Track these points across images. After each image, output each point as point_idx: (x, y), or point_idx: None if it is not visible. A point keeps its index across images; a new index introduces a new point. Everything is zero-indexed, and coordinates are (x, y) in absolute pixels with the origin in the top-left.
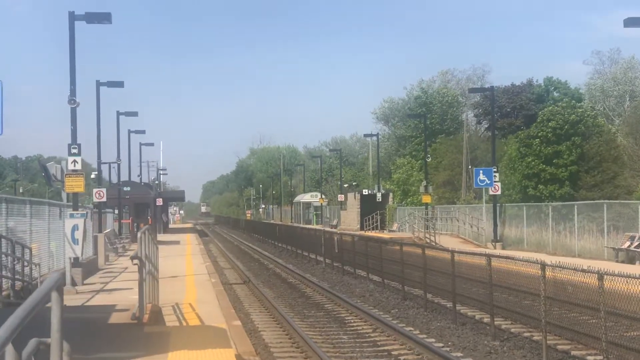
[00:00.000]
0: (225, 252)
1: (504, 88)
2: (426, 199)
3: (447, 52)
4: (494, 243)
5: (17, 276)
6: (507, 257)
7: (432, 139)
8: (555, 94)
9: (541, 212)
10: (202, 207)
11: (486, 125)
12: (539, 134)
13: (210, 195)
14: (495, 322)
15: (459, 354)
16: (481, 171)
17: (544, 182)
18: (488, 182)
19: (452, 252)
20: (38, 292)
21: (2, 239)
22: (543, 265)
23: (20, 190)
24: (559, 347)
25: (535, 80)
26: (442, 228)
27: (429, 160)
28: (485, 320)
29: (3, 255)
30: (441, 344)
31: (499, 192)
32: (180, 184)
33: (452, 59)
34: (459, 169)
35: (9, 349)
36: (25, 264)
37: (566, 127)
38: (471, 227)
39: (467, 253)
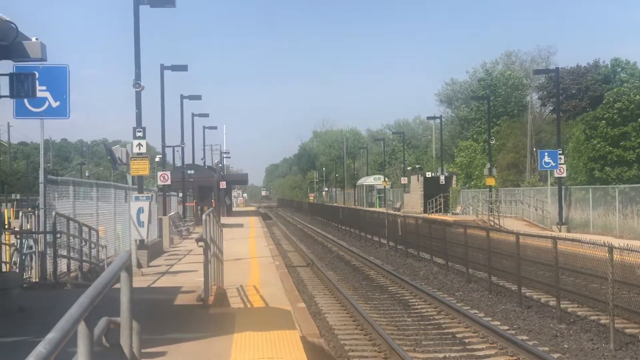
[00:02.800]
0: (288, 234)
1: (569, 69)
2: (490, 181)
3: (511, 33)
4: (559, 226)
5: (84, 258)
6: (573, 240)
7: (495, 121)
8: (622, 75)
9: (608, 195)
10: (262, 192)
11: (551, 108)
12: (605, 116)
13: (273, 178)
14: (562, 305)
15: (525, 337)
16: (546, 153)
17: (610, 164)
18: (553, 164)
19: (517, 234)
20: (108, 272)
21: (70, 222)
22: (610, 248)
23: (87, 174)
24: (627, 330)
25: (602, 62)
26: (506, 211)
27: (492, 142)
28: (551, 303)
29: (71, 238)
30: (506, 327)
31: (564, 175)
32: (243, 167)
33: (516, 40)
34: (524, 151)
35: (82, 327)
36: (93, 246)
37: (632, 107)
38: (536, 210)
39: (532, 235)
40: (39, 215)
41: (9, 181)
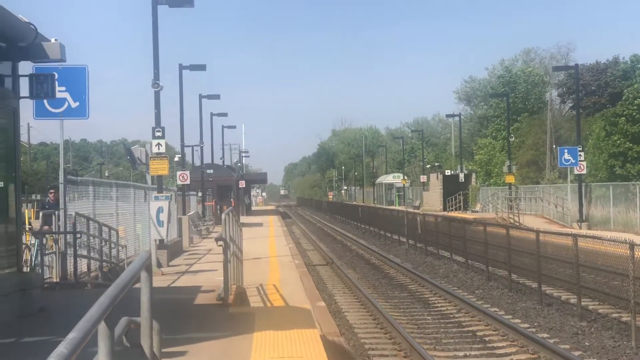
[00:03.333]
0: (308, 233)
1: (588, 66)
2: (509, 179)
3: (530, 30)
4: (579, 223)
5: (104, 258)
6: (594, 237)
7: (515, 118)
8: None
9: (628, 192)
10: (281, 191)
11: (570, 104)
12: (625, 113)
13: (292, 177)
14: (582, 303)
15: (545, 335)
16: (566, 150)
17: (631, 160)
18: (573, 161)
19: (537, 232)
20: (128, 271)
21: (90, 222)
22: (632, 245)
23: (106, 174)
24: None
25: (621, 58)
26: (525, 208)
27: (512, 139)
28: (572, 301)
29: (91, 238)
30: (527, 325)
31: (584, 171)
32: (262, 166)
33: (535, 37)
34: (543, 148)
35: (102, 327)
36: (112, 246)
37: None
38: (556, 207)
39: (552, 233)
40: (59, 216)
41: (29, 182)
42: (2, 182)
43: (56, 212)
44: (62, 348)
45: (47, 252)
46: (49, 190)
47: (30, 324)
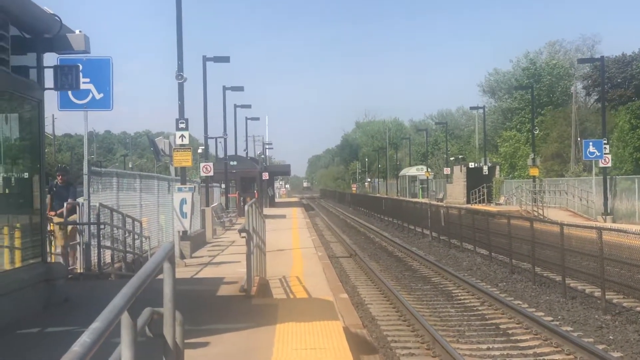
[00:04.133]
0: (331, 225)
1: (614, 58)
2: (533, 171)
3: (555, 22)
4: (604, 216)
5: (128, 249)
6: (618, 230)
7: (539, 111)
8: None
9: None
10: (304, 183)
11: (596, 97)
12: None
13: (316, 169)
14: (607, 296)
15: (569, 328)
16: (591, 143)
17: None
18: (598, 154)
19: (562, 225)
20: (151, 262)
21: (114, 213)
22: None
23: (130, 165)
24: None
25: None
26: (550, 201)
27: (536, 132)
28: (596, 294)
29: (115, 229)
30: (550, 318)
31: (609, 164)
32: (286, 158)
33: (560, 29)
34: (568, 141)
35: (125, 317)
36: (136, 237)
37: None
38: (580, 200)
39: (576, 226)
40: (83, 207)
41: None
42: (27, 173)
43: (75, 200)
44: (86, 337)
45: (71, 242)
46: (57, 172)
47: (55, 314)
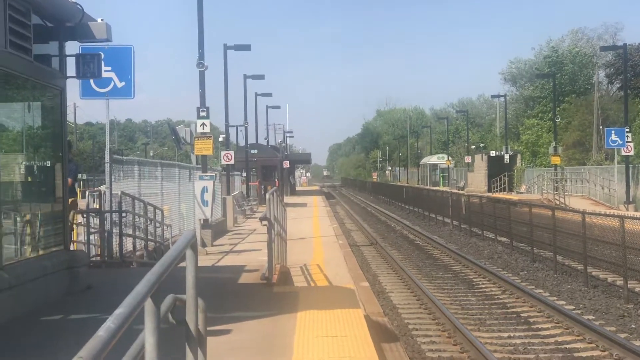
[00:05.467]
0: (352, 214)
1: (637, 46)
2: (555, 160)
3: (577, 10)
4: (626, 205)
5: (149, 237)
6: None
7: (561, 99)
8: None
9: None
10: (324, 172)
11: (618, 85)
12: None
13: (337, 157)
14: (629, 285)
15: (591, 317)
16: (613, 131)
17: None
18: (620, 142)
19: (583, 213)
20: (174, 250)
21: (136, 201)
22: None
23: (151, 154)
24: None
25: None
26: (571, 190)
27: (558, 120)
28: (618, 282)
29: (137, 217)
30: (572, 307)
31: (631, 153)
32: (306, 146)
33: (582, 17)
34: (590, 129)
35: (148, 303)
36: (157, 225)
37: None
38: (602, 188)
39: (598, 214)
40: (105, 195)
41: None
42: (49, 162)
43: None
44: (110, 323)
45: (92, 230)
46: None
47: (78, 301)
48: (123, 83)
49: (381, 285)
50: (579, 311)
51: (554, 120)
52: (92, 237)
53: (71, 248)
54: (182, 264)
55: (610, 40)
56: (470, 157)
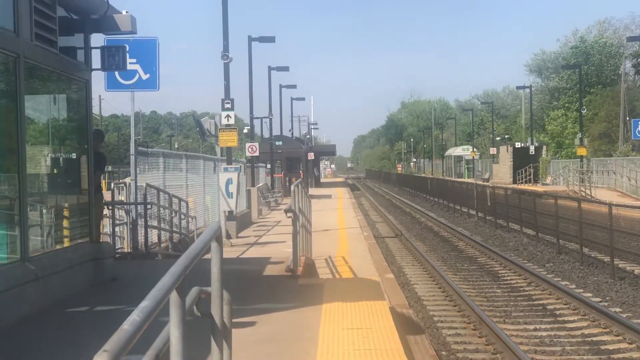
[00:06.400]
0: (376, 205)
1: None
2: (581, 151)
3: (603, 0)
4: None
5: (174, 229)
6: None
7: (587, 90)
8: None
9: None
10: (348, 164)
11: None
12: None
13: (361, 149)
14: None
15: (618, 309)
16: None
17: None
18: None
19: (610, 205)
20: (199, 242)
21: (161, 193)
22: None
23: (176, 146)
24: None
25: None
26: (597, 181)
27: (584, 112)
28: None
29: (162, 209)
30: (598, 299)
31: None
32: (331, 138)
33: (608, 8)
34: (616, 120)
35: (174, 295)
36: (182, 217)
37: None
38: (629, 180)
39: (625, 206)
40: (130, 187)
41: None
42: (75, 154)
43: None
44: (135, 316)
45: (118, 222)
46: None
47: (103, 292)
48: (148, 75)
49: (406, 277)
50: (606, 303)
51: (580, 111)
52: (117, 229)
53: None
54: (207, 256)
55: (637, 31)
56: (495, 148)
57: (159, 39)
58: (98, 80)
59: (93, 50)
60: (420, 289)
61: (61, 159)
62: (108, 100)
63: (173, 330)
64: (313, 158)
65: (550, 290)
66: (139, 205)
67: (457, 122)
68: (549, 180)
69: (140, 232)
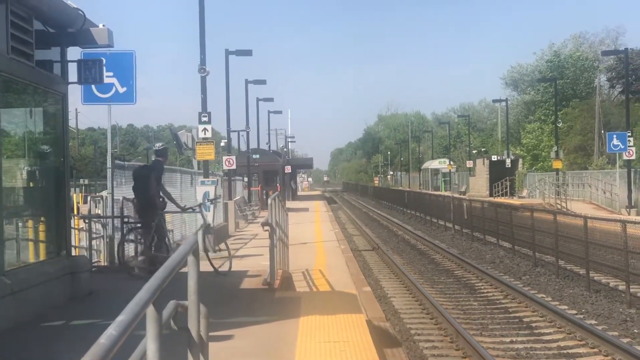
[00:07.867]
0: (353, 218)
1: (638, 50)
2: (557, 164)
3: (578, 15)
4: (628, 209)
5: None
6: None
7: (563, 103)
8: None
9: None
10: (324, 177)
11: (620, 89)
12: None
13: (338, 162)
14: (631, 290)
15: (593, 322)
16: (615, 135)
17: None
18: (622, 146)
19: (585, 217)
20: (176, 255)
21: None
22: None
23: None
24: None
25: None
26: (573, 194)
27: (559, 125)
28: (621, 287)
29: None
30: (574, 311)
31: (633, 157)
32: (308, 151)
33: (583, 22)
34: (591, 134)
35: (150, 310)
36: None
37: None
38: (604, 193)
39: (600, 219)
40: (106, 200)
41: (77, 166)
42: (51, 167)
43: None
44: (112, 330)
45: (94, 236)
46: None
47: (80, 306)
48: (125, 88)
49: (383, 290)
50: (581, 316)
51: (556, 124)
52: (94, 242)
53: (73, 254)
54: (185, 269)
55: (612, 45)
56: (471, 161)
57: (136, 52)
58: (75, 93)
59: (70, 64)
60: (398, 302)
61: (37, 172)
62: (85, 114)
63: (150, 344)
64: (290, 171)
65: (526, 302)
66: (115, 219)
67: (434, 135)
68: (525, 193)
69: (117, 245)
